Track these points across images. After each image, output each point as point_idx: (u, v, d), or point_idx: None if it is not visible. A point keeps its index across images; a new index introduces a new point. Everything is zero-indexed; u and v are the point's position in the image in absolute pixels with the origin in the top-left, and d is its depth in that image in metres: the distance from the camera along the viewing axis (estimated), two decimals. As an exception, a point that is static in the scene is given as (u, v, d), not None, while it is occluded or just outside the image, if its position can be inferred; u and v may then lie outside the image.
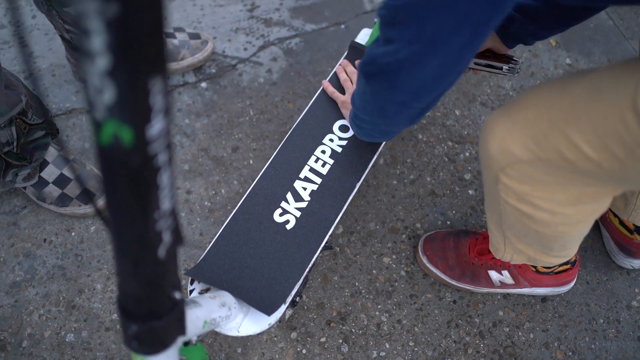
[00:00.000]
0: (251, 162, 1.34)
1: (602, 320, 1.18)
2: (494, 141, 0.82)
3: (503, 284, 1.18)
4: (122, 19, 0.35)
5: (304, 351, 1.12)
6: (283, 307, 1.01)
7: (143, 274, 0.59)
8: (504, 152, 0.81)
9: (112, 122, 0.41)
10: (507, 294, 1.20)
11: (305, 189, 1.12)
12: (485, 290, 1.19)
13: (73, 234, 1.23)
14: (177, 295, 0.67)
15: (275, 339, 1.13)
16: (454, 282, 1.19)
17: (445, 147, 1.40)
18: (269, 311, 0.98)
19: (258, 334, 1.10)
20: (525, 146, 0.78)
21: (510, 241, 1.01)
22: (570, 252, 1.03)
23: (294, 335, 1.14)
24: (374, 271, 1.21)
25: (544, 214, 0.86)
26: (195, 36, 1.46)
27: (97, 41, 0.36)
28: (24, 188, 1.25)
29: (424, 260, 1.21)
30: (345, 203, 1.11)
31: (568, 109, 0.73)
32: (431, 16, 0.67)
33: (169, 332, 0.69)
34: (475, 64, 1.08)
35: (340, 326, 1.15)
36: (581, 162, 0.73)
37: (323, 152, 1.15)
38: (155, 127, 0.43)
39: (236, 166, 1.33)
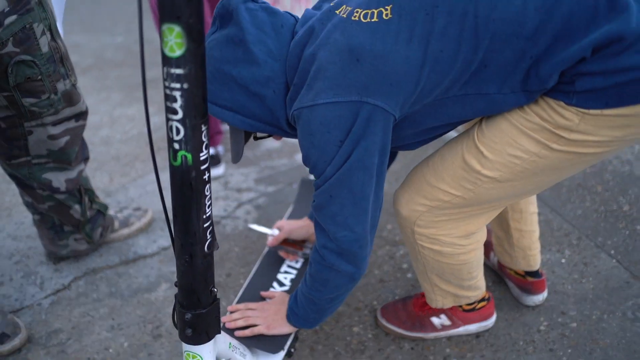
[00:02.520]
0: (241, 281, 1.76)
1: (521, 343, 1.55)
2: (402, 207, 1.31)
3: (444, 327, 1.56)
4: (188, 90, 0.85)
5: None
6: (282, 353, 1.38)
7: (196, 265, 1.01)
8: (410, 211, 1.30)
9: (182, 151, 0.89)
10: (449, 336, 1.58)
11: (285, 278, 1.57)
12: (433, 335, 1.57)
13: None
14: (215, 291, 1.07)
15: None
16: (408, 333, 1.57)
17: (385, 250, 1.87)
18: (274, 350, 1.35)
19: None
20: (421, 203, 1.27)
21: (436, 285, 1.44)
22: (479, 282, 1.46)
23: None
24: (348, 337, 1.59)
25: (448, 247, 1.33)
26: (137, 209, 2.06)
27: (177, 105, 0.85)
28: None
29: (383, 322, 1.60)
30: None
31: (434, 171, 1.25)
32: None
33: (211, 324, 1.08)
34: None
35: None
36: (452, 199, 1.23)
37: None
38: (204, 153, 0.92)
39: (231, 286, 1.75)
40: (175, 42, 0.79)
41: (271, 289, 1.55)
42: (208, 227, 0.99)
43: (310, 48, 1.08)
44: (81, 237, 1.81)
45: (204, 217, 0.97)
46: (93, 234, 1.82)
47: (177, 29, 0.77)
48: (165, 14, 0.77)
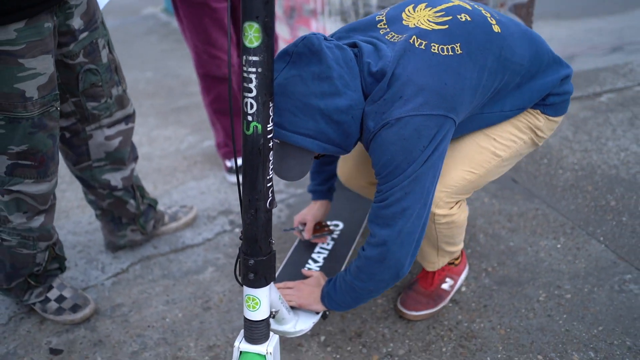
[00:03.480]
0: (277, 265, 2.02)
1: (523, 310, 1.79)
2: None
3: (451, 287, 1.82)
4: (263, 74, 1.14)
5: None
6: (318, 316, 1.62)
7: (260, 218, 1.26)
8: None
9: (254, 122, 1.17)
10: (455, 291, 1.83)
11: (319, 256, 1.84)
12: (449, 297, 1.82)
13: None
14: (273, 242, 1.33)
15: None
16: (437, 309, 1.79)
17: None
18: (309, 323, 1.60)
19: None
20: (440, 190, 1.52)
21: (443, 250, 1.70)
22: (461, 238, 1.72)
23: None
24: (373, 307, 1.83)
25: (458, 217, 1.60)
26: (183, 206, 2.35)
27: (252, 85, 1.13)
28: (33, 304, 1.86)
29: (413, 313, 1.77)
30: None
31: (452, 160, 1.54)
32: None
33: (269, 270, 1.33)
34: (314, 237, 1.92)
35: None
36: (472, 178, 1.55)
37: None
38: (270, 125, 1.19)
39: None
40: (254, 35, 1.07)
41: (307, 267, 1.81)
42: (270, 187, 1.26)
43: (396, 70, 1.31)
44: (136, 228, 2.08)
45: (268, 177, 1.24)
46: (147, 225, 2.09)
47: (256, 25, 1.06)
48: (246, 14, 1.05)
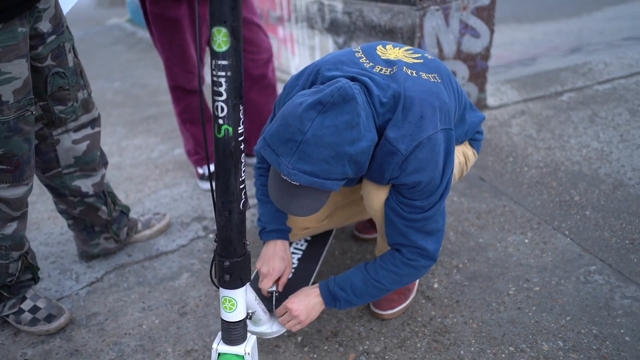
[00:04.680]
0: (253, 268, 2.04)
1: (494, 304, 1.84)
2: (378, 201, 1.59)
3: None
4: (232, 77, 1.16)
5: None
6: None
7: (233, 220, 1.29)
8: (382, 202, 1.59)
9: (225, 125, 1.20)
10: (426, 292, 1.87)
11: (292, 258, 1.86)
12: (416, 286, 1.88)
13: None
14: (247, 243, 1.35)
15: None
16: (409, 302, 1.83)
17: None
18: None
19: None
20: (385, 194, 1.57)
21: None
22: None
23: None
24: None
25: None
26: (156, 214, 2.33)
27: (222, 89, 1.15)
28: (7, 316, 1.84)
29: (388, 312, 1.79)
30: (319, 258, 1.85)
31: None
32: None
33: (244, 271, 1.35)
34: None
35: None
36: None
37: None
38: (241, 128, 1.22)
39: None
40: (222, 40, 1.09)
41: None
42: (242, 188, 1.28)
43: (406, 93, 1.39)
44: (110, 236, 2.07)
45: (240, 179, 1.26)
46: (120, 232, 2.09)
47: (224, 30, 1.08)
48: (214, 19, 1.08)
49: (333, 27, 3.35)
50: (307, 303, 1.59)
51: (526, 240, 2.10)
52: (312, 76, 1.50)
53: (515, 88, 3.42)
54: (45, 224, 2.43)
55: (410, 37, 2.71)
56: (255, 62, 2.45)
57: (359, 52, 1.53)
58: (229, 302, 1.36)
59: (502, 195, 2.39)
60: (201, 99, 1.22)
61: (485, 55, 2.95)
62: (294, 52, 3.88)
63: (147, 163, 2.97)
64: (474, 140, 1.78)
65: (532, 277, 1.92)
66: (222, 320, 1.38)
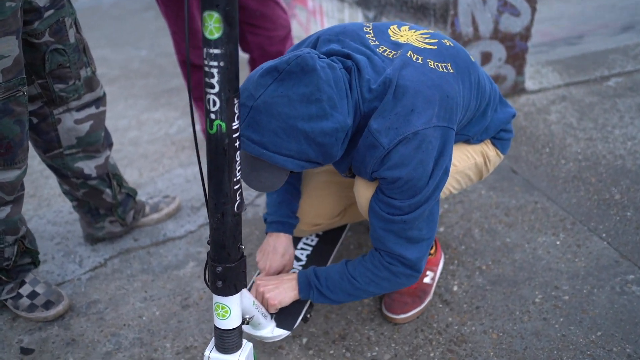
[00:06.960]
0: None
1: (517, 312, 1.69)
2: (364, 198, 1.47)
3: (432, 279, 1.75)
4: (225, 68, 1.03)
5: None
6: (299, 319, 1.54)
7: (227, 223, 1.17)
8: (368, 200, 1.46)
9: (218, 120, 1.07)
10: (435, 283, 1.76)
11: (302, 254, 1.74)
12: (432, 290, 1.74)
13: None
14: (243, 248, 1.24)
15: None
16: (424, 306, 1.71)
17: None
18: (289, 327, 1.51)
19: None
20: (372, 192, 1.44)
21: None
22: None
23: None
24: (359, 308, 1.74)
25: None
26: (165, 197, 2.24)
27: (214, 80, 1.03)
28: (5, 300, 1.78)
29: (401, 316, 1.68)
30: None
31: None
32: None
33: (239, 277, 1.24)
34: None
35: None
36: None
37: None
38: (235, 123, 1.09)
39: (252, 264, 1.91)
40: (214, 26, 0.96)
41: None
42: (238, 189, 1.16)
43: (399, 81, 1.27)
44: (115, 219, 1.99)
45: (235, 179, 1.14)
46: (126, 216, 2.01)
47: (216, 15, 0.95)
48: (205, 2, 0.95)
49: (363, 1, 3.17)
50: (278, 284, 1.51)
51: (558, 242, 1.94)
52: (311, 44, 1.41)
53: (557, 71, 3.18)
54: (56, 201, 2.37)
55: (443, 14, 2.52)
56: (271, 39, 2.32)
57: (369, 27, 1.42)
58: (222, 309, 1.26)
59: (535, 190, 2.21)
60: (189, 80, 1.09)
61: (526, 35, 2.73)
62: (323, 24, 3.71)
63: (165, 139, 2.88)
64: (499, 140, 1.64)
65: (562, 285, 1.76)
66: (215, 327, 1.28)
